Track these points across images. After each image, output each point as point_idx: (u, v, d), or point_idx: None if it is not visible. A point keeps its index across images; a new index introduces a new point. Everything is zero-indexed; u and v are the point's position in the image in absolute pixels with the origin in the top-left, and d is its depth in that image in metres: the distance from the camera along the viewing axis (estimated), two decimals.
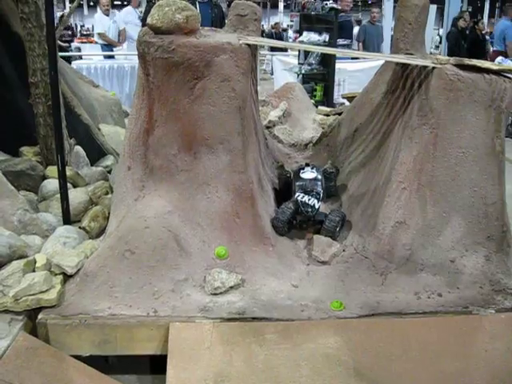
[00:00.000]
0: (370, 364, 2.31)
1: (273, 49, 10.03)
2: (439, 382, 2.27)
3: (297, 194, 2.95)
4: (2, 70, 3.91)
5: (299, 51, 7.10)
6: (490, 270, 2.68)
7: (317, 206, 2.89)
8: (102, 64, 8.42)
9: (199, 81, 2.49)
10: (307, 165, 3.19)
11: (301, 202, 2.90)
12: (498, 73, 2.65)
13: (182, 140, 2.61)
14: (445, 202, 2.66)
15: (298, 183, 3.03)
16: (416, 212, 2.65)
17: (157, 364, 2.59)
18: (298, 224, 2.95)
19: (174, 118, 2.58)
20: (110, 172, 3.97)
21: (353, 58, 7.91)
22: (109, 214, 3.07)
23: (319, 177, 3.07)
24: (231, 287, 2.56)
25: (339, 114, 3.89)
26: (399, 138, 2.73)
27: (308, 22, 6.91)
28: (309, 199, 2.90)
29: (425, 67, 2.66)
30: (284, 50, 9.07)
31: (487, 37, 11.36)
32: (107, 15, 9.19)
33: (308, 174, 3.08)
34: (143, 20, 8.34)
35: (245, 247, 2.68)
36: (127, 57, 8.68)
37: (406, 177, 2.65)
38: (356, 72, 7.57)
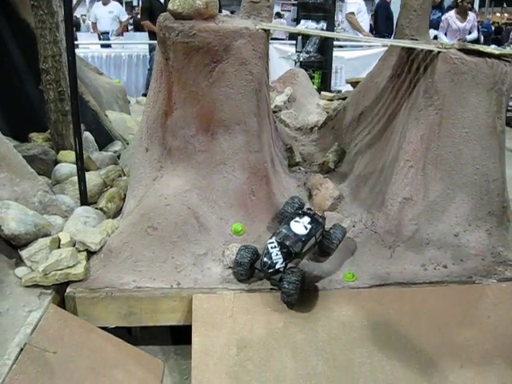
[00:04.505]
0: (382, 330, 2.46)
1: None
2: (446, 346, 2.42)
3: (271, 239, 2.59)
4: (11, 57, 3.99)
5: (296, 39, 7.22)
6: (491, 244, 2.84)
7: (277, 266, 2.49)
8: (99, 53, 8.48)
9: (218, 64, 2.60)
10: (308, 215, 2.70)
11: (266, 250, 2.55)
12: (499, 57, 2.79)
13: (200, 121, 2.72)
14: (449, 179, 2.81)
15: (282, 228, 2.62)
16: (422, 189, 2.80)
17: (177, 335, 2.74)
18: (254, 270, 2.61)
19: (193, 101, 2.69)
20: (118, 157, 4.07)
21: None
22: (125, 195, 3.18)
23: (311, 233, 2.62)
24: None
25: (343, 98, 4.03)
26: (406, 119, 2.87)
27: (305, 10, 7.01)
28: (276, 254, 2.52)
29: (430, 52, 2.79)
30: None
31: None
32: (105, 4, 9.36)
33: (299, 226, 2.62)
34: (143, 7, 8.42)
35: (260, 223, 2.82)
36: (124, 46, 8.75)
37: (412, 155, 2.79)
38: (353, 60, 7.73)
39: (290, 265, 2.57)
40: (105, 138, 4.28)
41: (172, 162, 2.83)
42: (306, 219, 2.67)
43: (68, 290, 2.53)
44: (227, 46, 2.56)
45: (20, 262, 2.61)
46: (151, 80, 2.95)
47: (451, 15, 8.42)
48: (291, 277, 2.46)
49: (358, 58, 7.82)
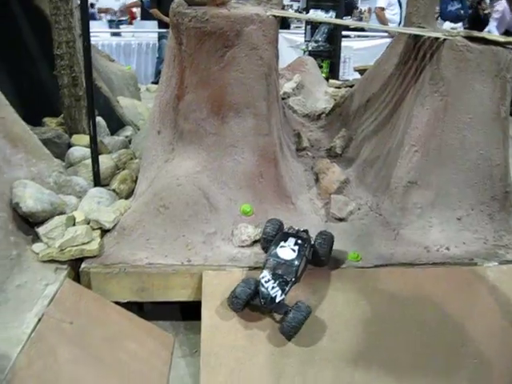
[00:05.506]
0: (385, 308, 2.54)
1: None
2: (446, 325, 2.50)
3: (263, 273, 2.46)
4: (25, 43, 4.07)
5: (305, 28, 7.28)
6: (493, 227, 2.91)
7: (278, 299, 2.38)
8: (109, 41, 8.57)
9: (229, 49, 2.68)
10: (292, 235, 2.61)
11: (261, 289, 2.41)
12: (503, 45, 2.85)
13: (211, 105, 2.81)
14: (453, 163, 2.88)
15: (270, 259, 2.52)
16: (426, 173, 2.87)
17: (187, 311, 2.84)
18: (252, 306, 2.47)
19: (204, 85, 2.77)
20: (129, 142, 4.16)
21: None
22: (136, 177, 3.27)
23: (300, 254, 2.51)
24: (257, 241, 2.79)
25: (351, 86, 4.09)
26: (411, 105, 2.93)
27: None
28: (272, 287, 2.40)
29: (436, 39, 2.85)
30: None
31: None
32: None
33: (286, 250, 2.52)
34: None
35: (268, 205, 2.90)
36: (134, 34, 8.83)
37: (417, 140, 2.86)
38: (361, 50, 7.80)
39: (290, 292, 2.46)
40: (116, 124, 4.36)
41: (183, 145, 2.91)
42: (292, 241, 2.58)
43: (83, 265, 2.62)
44: (238, 31, 2.64)
45: (36, 238, 2.70)
46: (163, 65, 3.03)
47: (506, 7, 8.34)
48: (296, 315, 2.36)
49: (366, 48, 7.89)
